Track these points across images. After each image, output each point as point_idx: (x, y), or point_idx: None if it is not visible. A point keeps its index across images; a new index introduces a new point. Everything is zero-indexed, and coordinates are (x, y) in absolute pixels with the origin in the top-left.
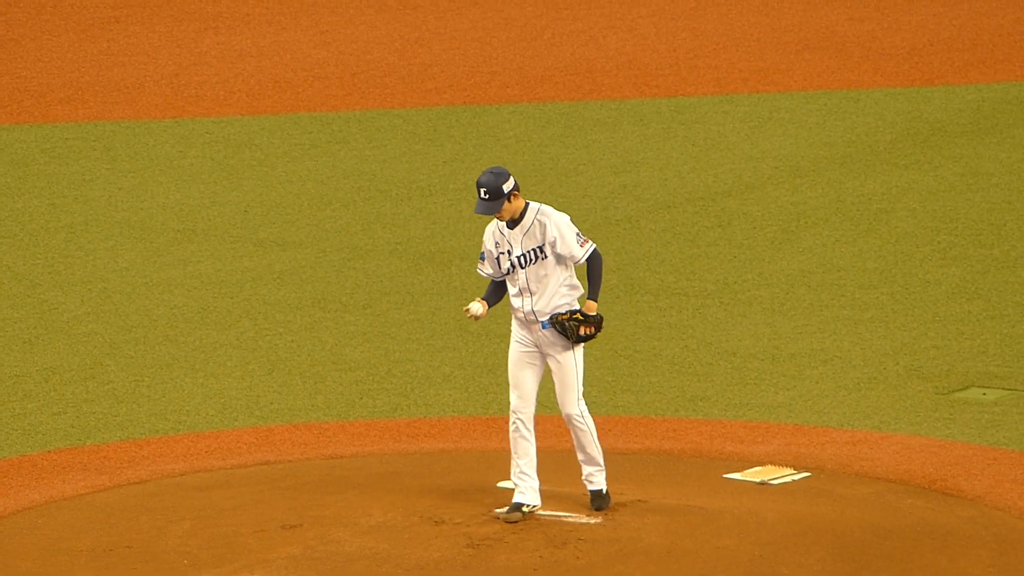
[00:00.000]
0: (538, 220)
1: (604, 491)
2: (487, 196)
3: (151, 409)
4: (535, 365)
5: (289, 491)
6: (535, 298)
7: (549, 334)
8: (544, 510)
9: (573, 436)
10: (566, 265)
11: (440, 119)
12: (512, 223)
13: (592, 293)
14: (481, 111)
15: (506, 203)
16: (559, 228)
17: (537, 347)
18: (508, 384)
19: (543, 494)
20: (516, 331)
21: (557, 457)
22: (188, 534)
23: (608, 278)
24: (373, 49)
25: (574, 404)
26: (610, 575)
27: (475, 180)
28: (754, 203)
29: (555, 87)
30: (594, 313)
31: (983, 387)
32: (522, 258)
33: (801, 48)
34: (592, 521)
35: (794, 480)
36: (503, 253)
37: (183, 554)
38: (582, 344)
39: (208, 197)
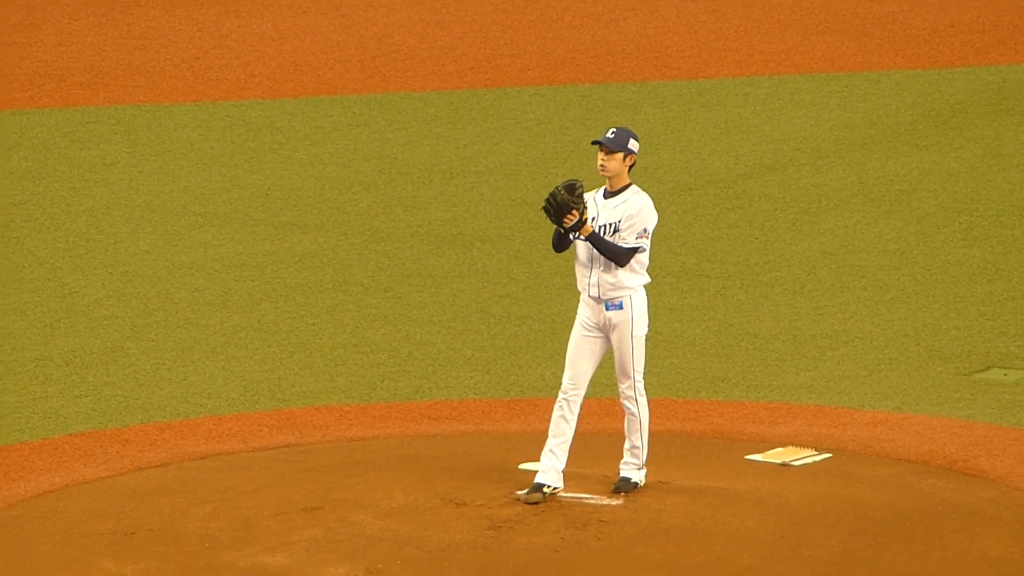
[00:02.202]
0: (633, 196)
1: (632, 481)
2: (613, 135)
3: (172, 392)
4: (594, 350)
5: (310, 473)
6: (600, 273)
7: (613, 316)
8: (565, 492)
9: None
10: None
11: (461, 102)
12: (608, 193)
13: (595, 233)
14: (502, 94)
15: (621, 154)
16: (641, 213)
17: (600, 330)
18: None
19: (566, 476)
20: (582, 312)
21: (580, 440)
22: (209, 517)
23: None
24: (394, 32)
25: (628, 387)
26: (631, 556)
27: (496, 163)
28: (775, 185)
29: (576, 69)
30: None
31: (1004, 368)
32: (603, 228)
33: (822, 30)
34: (613, 502)
35: (815, 461)
36: (592, 217)
37: (204, 537)
38: (632, 320)
39: (229, 180)
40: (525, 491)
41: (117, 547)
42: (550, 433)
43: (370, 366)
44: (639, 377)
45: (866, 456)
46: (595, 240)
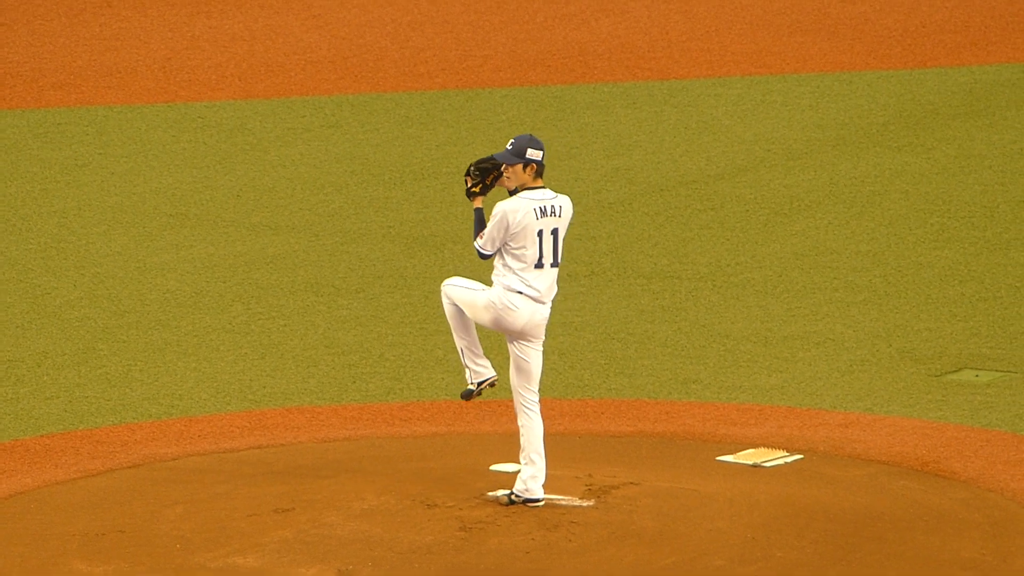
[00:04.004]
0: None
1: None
2: (509, 148)
3: (144, 393)
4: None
5: (282, 475)
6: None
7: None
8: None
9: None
10: (510, 255)
11: (433, 103)
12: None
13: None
14: (474, 95)
15: (519, 166)
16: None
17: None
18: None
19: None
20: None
21: (552, 441)
22: (181, 518)
23: (601, 261)
24: (366, 33)
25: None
26: (603, 558)
27: (467, 163)
28: (747, 186)
29: (547, 70)
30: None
31: (976, 369)
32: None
33: (793, 30)
34: (585, 504)
35: (787, 462)
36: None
37: (176, 538)
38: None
39: (201, 181)
40: (498, 492)
41: (88, 548)
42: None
43: (342, 367)
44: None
45: (837, 457)
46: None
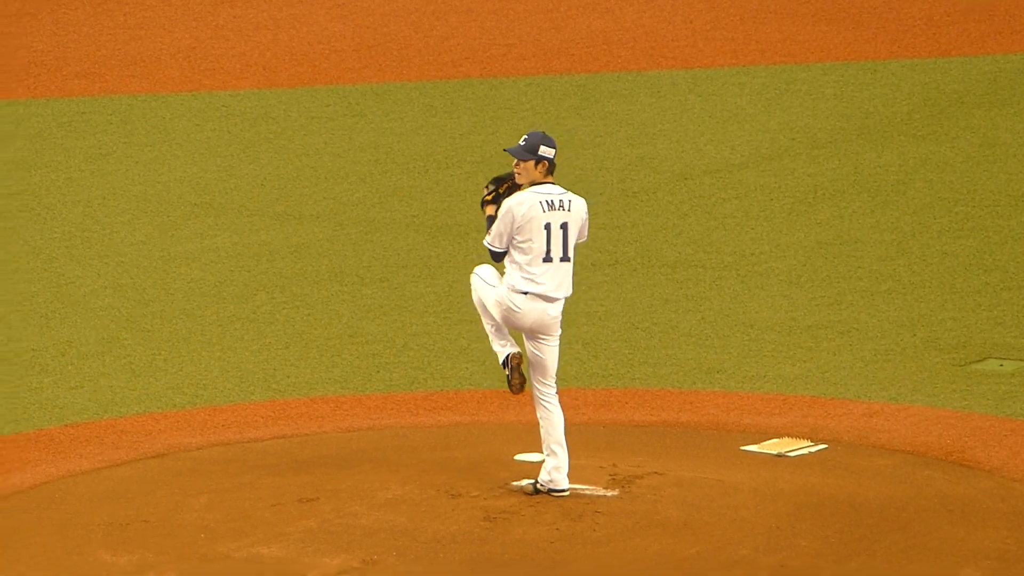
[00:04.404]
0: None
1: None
2: (523, 144)
3: (168, 383)
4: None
5: (306, 465)
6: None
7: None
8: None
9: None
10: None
11: (457, 92)
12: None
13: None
14: (498, 83)
15: (531, 163)
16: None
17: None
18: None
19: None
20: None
21: (574, 429)
22: (205, 508)
23: (625, 250)
24: (390, 22)
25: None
26: (627, 547)
27: (492, 152)
28: (771, 175)
29: (571, 59)
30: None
31: (1000, 358)
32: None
33: (818, 19)
34: (609, 494)
35: (811, 452)
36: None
37: (200, 528)
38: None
39: (225, 170)
40: (522, 482)
41: (112, 538)
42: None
43: (366, 357)
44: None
45: (861, 447)
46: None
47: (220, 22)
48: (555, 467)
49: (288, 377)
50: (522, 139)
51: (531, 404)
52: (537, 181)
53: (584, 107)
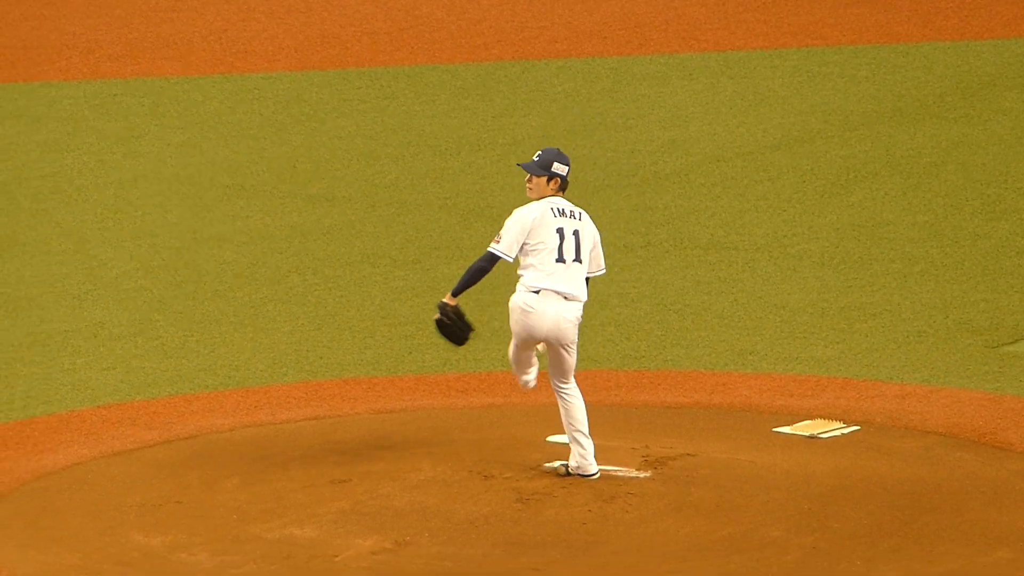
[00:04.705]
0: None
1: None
2: (536, 159)
3: (200, 364)
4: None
5: (338, 446)
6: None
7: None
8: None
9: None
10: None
11: (489, 74)
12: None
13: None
14: (530, 66)
15: (543, 179)
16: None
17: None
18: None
19: (594, 448)
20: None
21: (608, 412)
22: (237, 489)
23: (657, 232)
24: (422, 4)
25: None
26: (659, 529)
27: (523, 135)
28: (803, 157)
29: (603, 42)
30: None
31: None
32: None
33: (850, 1)
34: (641, 475)
35: (843, 434)
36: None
37: (232, 509)
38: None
39: (257, 153)
40: (555, 463)
41: (145, 519)
42: (585, 419)
43: (398, 338)
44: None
45: (894, 429)
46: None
47: (252, 4)
48: (581, 454)
49: (320, 358)
50: (536, 154)
51: None
52: (546, 196)
53: (616, 89)
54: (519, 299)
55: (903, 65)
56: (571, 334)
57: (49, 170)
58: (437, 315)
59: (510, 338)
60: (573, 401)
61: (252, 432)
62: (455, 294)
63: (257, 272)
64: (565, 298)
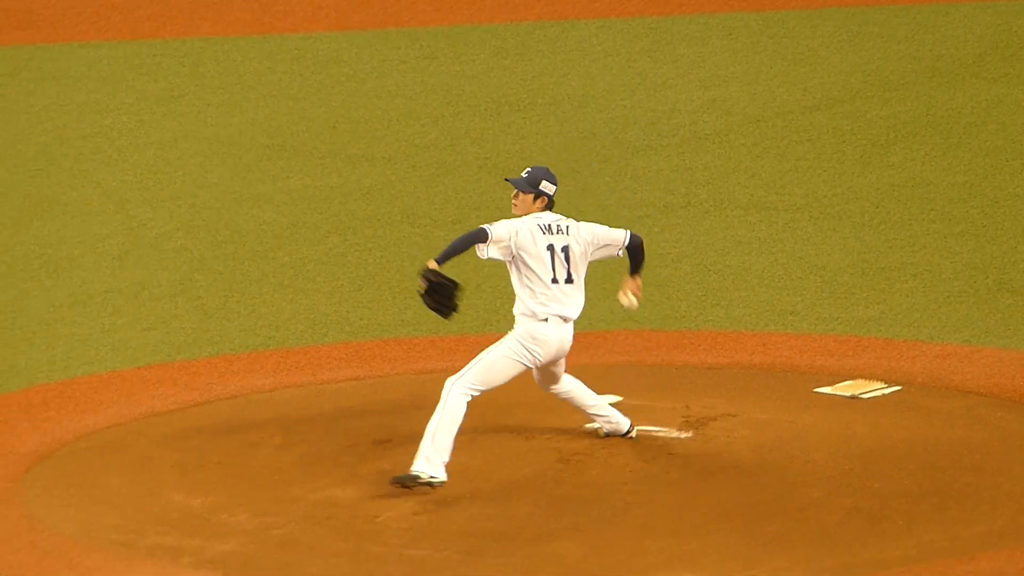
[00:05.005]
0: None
1: (414, 473)
2: (525, 176)
3: (241, 325)
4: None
5: (379, 406)
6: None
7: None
8: (635, 424)
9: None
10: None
11: (528, 34)
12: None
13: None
14: (569, 26)
15: (530, 197)
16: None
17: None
18: (610, 297)
19: (637, 409)
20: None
21: (647, 372)
22: (278, 449)
23: (697, 192)
24: None
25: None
26: (700, 489)
27: (563, 95)
28: (843, 117)
29: (643, 2)
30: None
31: None
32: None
33: None
34: (682, 435)
35: (884, 394)
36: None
37: (273, 470)
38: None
39: (297, 113)
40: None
41: (186, 480)
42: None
43: None
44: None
45: (935, 389)
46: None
47: None
48: (607, 421)
49: (361, 319)
50: (525, 171)
51: (605, 347)
52: (532, 213)
53: (656, 50)
54: (522, 339)
55: (943, 25)
56: (567, 351)
57: (89, 131)
58: (422, 285)
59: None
60: (573, 390)
61: (293, 393)
62: (440, 262)
63: (297, 232)
64: (565, 320)
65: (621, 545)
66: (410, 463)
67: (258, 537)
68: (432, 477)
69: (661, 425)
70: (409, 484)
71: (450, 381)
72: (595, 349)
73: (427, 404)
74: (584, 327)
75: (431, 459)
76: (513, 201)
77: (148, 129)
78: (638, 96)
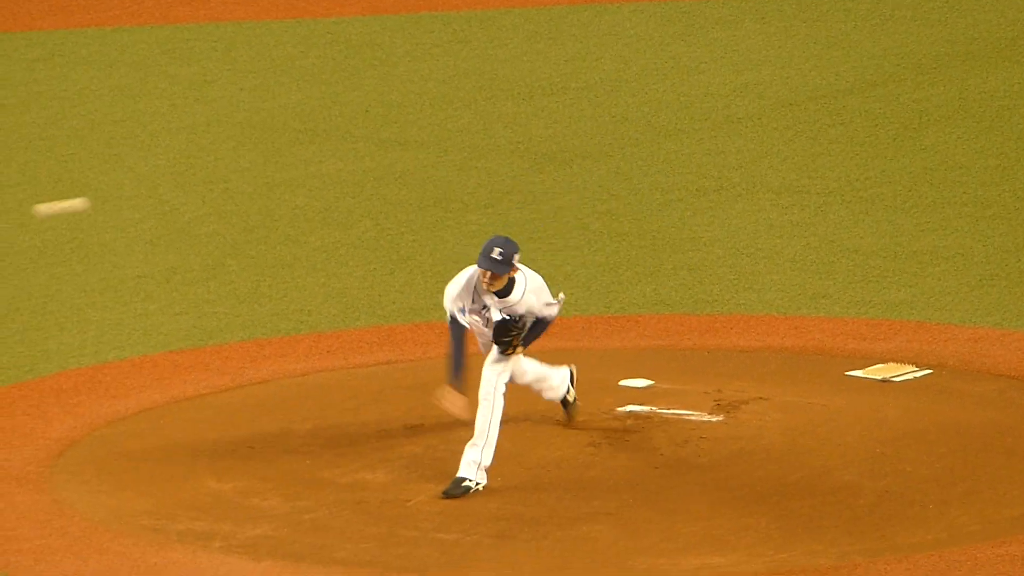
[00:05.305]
0: (528, 295)
1: (464, 482)
2: (500, 259)
3: (273, 309)
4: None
5: (411, 391)
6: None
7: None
8: (666, 408)
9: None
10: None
11: (562, 18)
12: (497, 293)
13: (528, 339)
14: (603, 10)
15: (506, 274)
16: (540, 297)
17: None
18: (644, 280)
19: (669, 393)
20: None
21: (679, 355)
22: (310, 434)
23: (730, 176)
24: None
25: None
26: (731, 473)
27: (596, 79)
28: (876, 100)
29: None
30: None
31: None
32: (498, 320)
33: None
34: (714, 419)
35: (916, 377)
36: (476, 309)
37: (305, 454)
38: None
39: (329, 97)
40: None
41: (217, 465)
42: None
43: None
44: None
45: (967, 372)
46: (528, 339)
47: None
48: (549, 388)
49: (393, 303)
50: (496, 252)
51: (637, 330)
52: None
53: (689, 33)
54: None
55: (976, 8)
56: None
57: (122, 115)
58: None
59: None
60: (528, 372)
61: (324, 377)
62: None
63: (329, 217)
64: None
65: (652, 528)
66: (441, 447)
67: (289, 521)
68: (477, 484)
69: (692, 409)
70: (461, 495)
71: (495, 376)
72: (626, 333)
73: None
74: (616, 310)
75: (482, 464)
76: (488, 282)
77: (180, 114)
78: (671, 80)
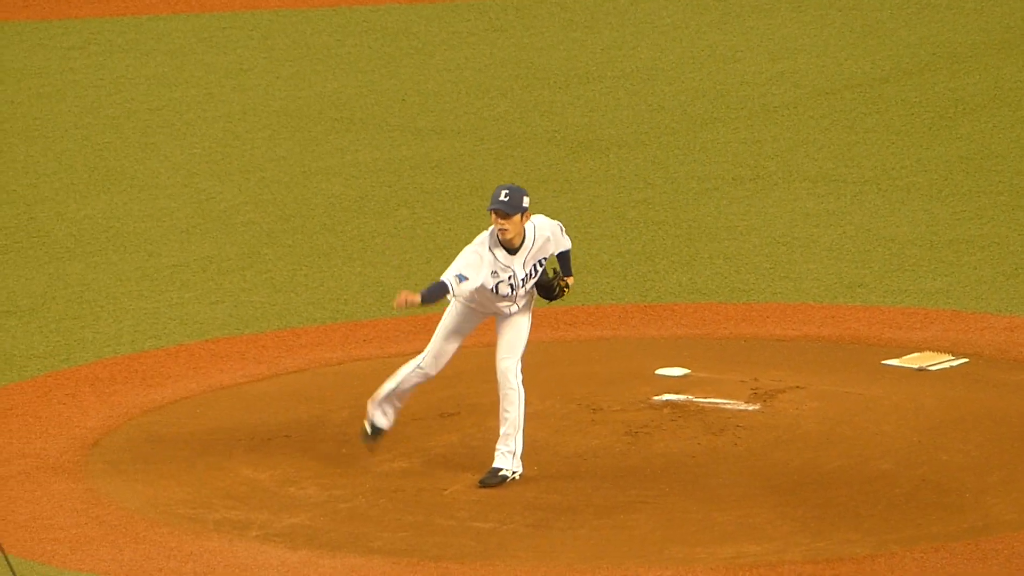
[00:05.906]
0: (538, 237)
1: (501, 471)
2: (508, 199)
3: (309, 298)
4: (472, 329)
5: (446, 379)
6: (518, 300)
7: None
8: (702, 397)
9: (501, 398)
10: None
11: (597, 6)
12: (512, 250)
13: (567, 271)
14: None
15: (518, 216)
16: (555, 236)
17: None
18: (680, 269)
19: (705, 381)
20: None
21: (715, 344)
22: (346, 423)
23: (766, 165)
24: None
25: (513, 363)
26: (768, 462)
27: (632, 67)
28: (912, 89)
29: None
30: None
31: None
32: (525, 279)
33: None
34: (750, 408)
35: (952, 366)
36: (503, 280)
37: (341, 443)
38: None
39: (366, 86)
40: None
41: (254, 454)
42: (398, 383)
43: None
44: (522, 354)
45: (1003, 361)
46: (566, 270)
47: None
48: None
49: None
50: (503, 194)
51: (674, 319)
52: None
53: (725, 22)
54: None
55: None
56: None
57: (158, 104)
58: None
59: (619, 271)
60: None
61: (361, 365)
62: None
63: (366, 205)
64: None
65: (689, 517)
66: (477, 436)
67: (326, 510)
68: (514, 472)
69: (729, 397)
70: (498, 484)
71: (511, 364)
72: (663, 321)
73: (494, 378)
74: (652, 299)
75: (516, 453)
76: (502, 227)
77: (217, 102)
78: (707, 68)
